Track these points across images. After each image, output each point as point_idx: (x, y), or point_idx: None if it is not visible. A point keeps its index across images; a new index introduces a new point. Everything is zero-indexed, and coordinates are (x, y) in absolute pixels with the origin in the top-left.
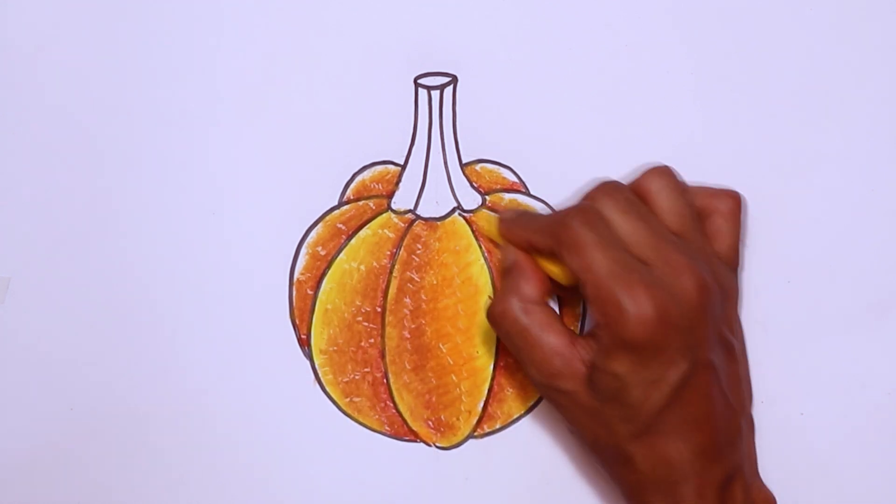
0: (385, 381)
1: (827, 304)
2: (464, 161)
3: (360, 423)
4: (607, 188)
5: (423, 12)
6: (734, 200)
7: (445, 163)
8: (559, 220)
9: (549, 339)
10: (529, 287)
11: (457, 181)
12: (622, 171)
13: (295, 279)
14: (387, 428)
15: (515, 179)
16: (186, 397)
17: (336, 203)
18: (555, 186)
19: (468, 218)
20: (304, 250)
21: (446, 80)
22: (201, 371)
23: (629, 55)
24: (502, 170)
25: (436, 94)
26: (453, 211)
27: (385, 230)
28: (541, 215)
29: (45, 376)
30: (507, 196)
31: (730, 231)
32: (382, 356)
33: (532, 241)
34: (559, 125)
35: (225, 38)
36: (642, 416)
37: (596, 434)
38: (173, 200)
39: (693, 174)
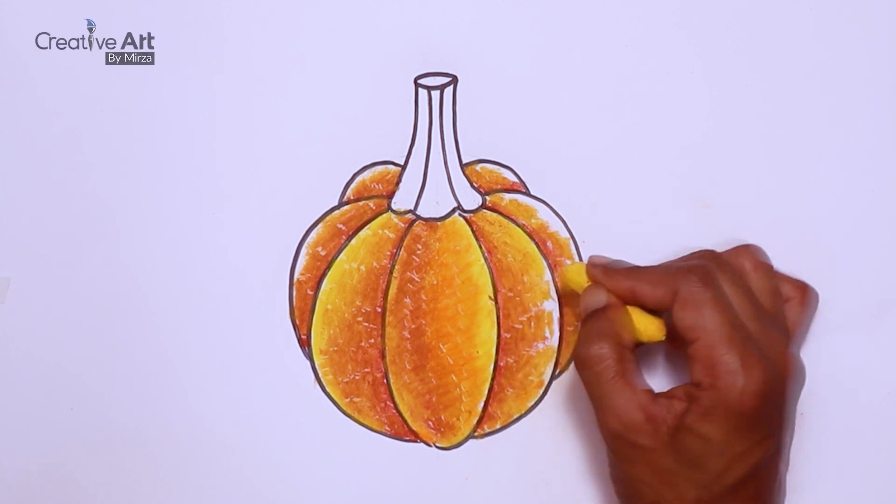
0: (385, 381)
1: (827, 304)
2: (464, 161)
3: (361, 424)
4: (715, 256)
5: (423, 12)
6: (809, 293)
7: (445, 163)
8: (678, 274)
9: (636, 390)
10: (625, 333)
11: (457, 181)
12: (621, 171)
13: (295, 279)
14: (387, 428)
15: (515, 179)
16: (186, 397)
17: (336, 203)
18: (555, 186)
19: (468, 218)
20: (304, 250)
21: (446, 80)
22: (201, 371)
23: (629, 55)
24: (502, 170)
25: (436, 94)
26: (453, 211)
27: (385, 230)
28: (644, 266)
29: (45, 376)
30: (508, 196)
31: (799, 320)
32: (382, 356)
33: (638, 290)
34: (559, 125)
35: (225, 38)
36: (717, 487)
37: (660, 495)
38: (174, 201)
39: (693, 174)
